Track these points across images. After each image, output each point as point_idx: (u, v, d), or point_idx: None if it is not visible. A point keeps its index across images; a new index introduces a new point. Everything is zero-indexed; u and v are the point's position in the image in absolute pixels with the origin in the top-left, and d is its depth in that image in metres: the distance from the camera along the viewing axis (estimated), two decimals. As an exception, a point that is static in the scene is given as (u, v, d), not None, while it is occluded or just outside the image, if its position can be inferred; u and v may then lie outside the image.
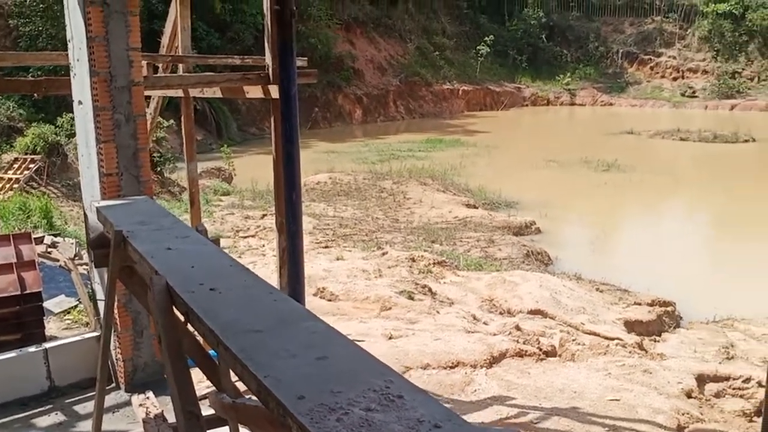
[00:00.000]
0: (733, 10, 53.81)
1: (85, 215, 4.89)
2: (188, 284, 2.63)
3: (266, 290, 2.62)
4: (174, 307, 2.64)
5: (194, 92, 6.75)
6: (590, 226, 18.80)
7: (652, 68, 56.94)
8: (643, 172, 24.97)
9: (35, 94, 16.23)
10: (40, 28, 26.54)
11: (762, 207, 19.66)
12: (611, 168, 25.61)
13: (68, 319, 7.95)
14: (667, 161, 28.40)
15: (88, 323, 7.55)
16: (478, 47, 52.67)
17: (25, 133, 19.69)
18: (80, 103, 4.88)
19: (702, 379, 8.32)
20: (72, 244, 11.16)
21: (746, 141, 32.82)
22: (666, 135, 35.35)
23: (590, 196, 21.83)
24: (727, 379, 8.46)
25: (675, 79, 55.58)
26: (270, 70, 5.91)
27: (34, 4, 26.48)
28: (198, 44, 27.13)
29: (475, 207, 19.48)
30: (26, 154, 17.91)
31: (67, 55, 5.31)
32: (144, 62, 5.82)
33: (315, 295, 11.42)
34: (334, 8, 43.54)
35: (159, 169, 19.27)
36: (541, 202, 19.98)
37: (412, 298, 11.17)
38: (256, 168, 21.38)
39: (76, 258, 10.55)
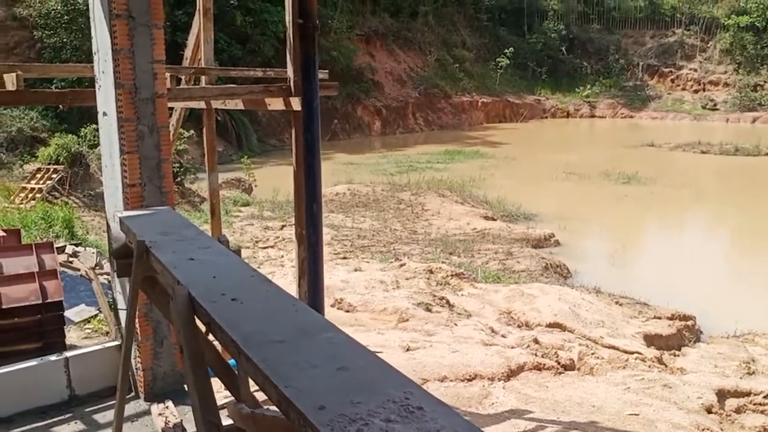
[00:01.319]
0: (756, 23, 53.45)
1: (108, 225, 4.95)
2: (210, 294, 2.66)
3: (288, 301, 2.64)
4: (196, 317, 2.67)
5: (216, 104, 6.82)
6: (610, 239, 18.66)
7: (673, 81, 56.63)
8: (663, 185, 24.79)
9: (60, 106, 16.49)
10: (65, 40, 26.92)
11: (784, 221, 19.44)
12: (632, 180, 25.45)
13: (88, 329, 8.03)
14: (688, 174, 28.16)
15: (108, 332, 7.62)
16: (497, 59, 52.72)
17: (48, 144, 19.95)
18: (105, 114, 4.96)
19: (723, 394, 8.23)
20: (93, 253, 11.28)
21: (768, 154, 32.53)
22: (687, 148, 35.11)
23: (610, 209, 21.69)
24: (748, 394, 8.36)
25: (696, 91, 55.24)
26: (292, 82, 5.96)
27: (59, 16, 26.87)
28: (219, 56, 27.39)
29: (493, 219, 19.43)
30: (49, 164, 18.14)
31: (91, 67, 5.39)
32: (167, 74, 5.90)
33: (333, 306, 11.44)
34: (354, 21, 43.84)
35: (179, 179, 19.44)
36: (561, 214, 19.89)
37: (429, 310, 11.15)
38: (275, 179, 21.51)
39: (97, 267, 10.66)
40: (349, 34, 42.30)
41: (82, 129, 20.77)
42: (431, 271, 13.40)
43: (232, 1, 31.61)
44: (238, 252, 3.44)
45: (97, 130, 18.06)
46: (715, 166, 31.01)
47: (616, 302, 12.68)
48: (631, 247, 18.20)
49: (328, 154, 30.91)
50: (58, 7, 26.77)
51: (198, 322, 2.68)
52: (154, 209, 4.23)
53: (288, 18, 6.17)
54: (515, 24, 59.04)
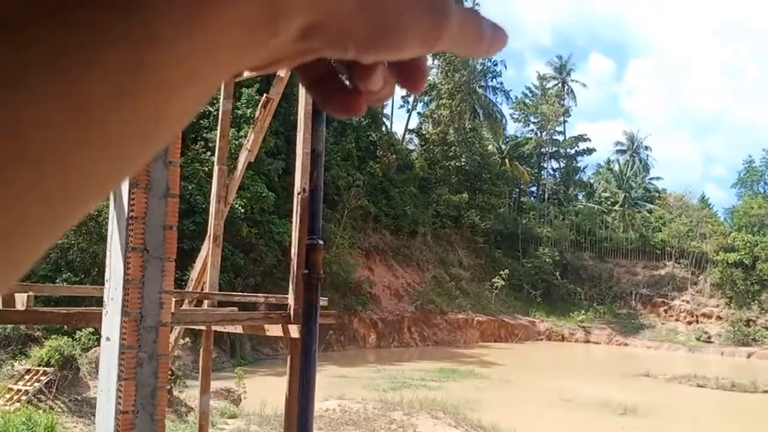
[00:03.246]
0: (744, 260, 55.30)
1: (95, 452, 4.90)
2: None
3: None
4: None
5: (216, 327, 7.00)
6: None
7: (665, 311, 57.48)
8: (661, 418, 24.24)
9: (65, 326, 16.72)
10: (72, 242, 27.76)
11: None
12: (628, 412, 24.92)
13: None
14: (685, 409, 27.61)
15: None
16: (493, 280, 53.93)
17: (42, 344, 19.87)
18: (108, 339, 5.11)
19: None
20: (70, 466, 10.85)
21: (765, 392, 32.08)
22: (683, 380, 34.74)
23: (607, 442, 21.04)
24: None
25: (689, 323, 55.83)
26: (291, 310, 6.18)
27: (70, 218, 27.88)
28: (222, 263, 28.09)
29: (487, 447, 18.80)
30: (39, 365, 17.95)
31: (99, 288, 5.64)
32: (173, 299, 6.14)
33: None
34: (356, 237, 45.49)
35: (169, 387, 19.09)
36: (557, 445, 19.28)
37: None
38: (265, 390, 21.11)
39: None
40: (351, 249, 43.72)
41: (78, 332, 20.79)
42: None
43: (239, 214, 33.02)
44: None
45: (92, 333, 18.02)
46: (713, 401, 30.50)
47: None
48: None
49: (322, 366, 30.52)
50: (72, 211, 27.88)
51: None
52: (144, 441, 4.22)
53: (294, 235, 6.52)
54: (511, 247, 61.16)
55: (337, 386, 26.12)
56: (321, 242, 3.96)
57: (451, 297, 50.89)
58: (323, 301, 7.11)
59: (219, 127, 8.45)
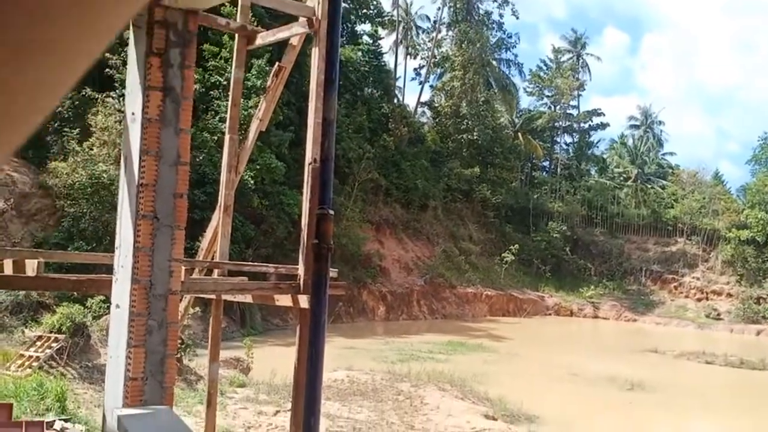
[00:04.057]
0: (756, 237, 54.93)
1: (104, 417, 4.92)
2: None
3: None
4: None
5: (226, 296, 7.01)
6: (613, 450, 18.01)
7: (675, 288, 57.31)
8: (668, 393, 24.28)
9: (76, 293, 16.80)
10: (84, 210, 27.86)
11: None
12: (636, 387, 24.97)
13: None
14: (693, 385, 27.65)
15: None
16: (502, 254, 53.88)
17: (54, 311, 20.04)
18: (117, 306, 5.11)
19: None
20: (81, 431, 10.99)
21: (774, 369, 32.06)
22: (691, 357, 34.75)
23: (615, 416, 21.12)
24: None
25: (699, 300, 55.68)
26: (301, 280, 6.16)
27: (83, 187, 27.97)
28: (232, 234, 28.18)
29: (494, 419, 18.88)
30: (51, 332, 18.12)
31: (110, 256, 5.63)
32: (183, 268, 6.13)
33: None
34: (366, 210, 45.46)
35: (179, 356, 19.27)
36: (564, 418, 19.37)
37: None
38: (275, 360, 21.26)
39: (83, 447, 10.34)
40: (361, 222, 43.72)
41: (90, 299, 20.95)
42: (426, 474, 12.87)
43: (250, 185, 33.01)
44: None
45: (103, 301, 18.15)
46: (721, 378, 30.50)
47: None
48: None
49: (331, 337, 30.67)
50: (83, 180, 27.95)
51: None
52: (152, 408, 4.24)
53: (305, 206, 6.49)
54: (521, 222, 61.01)
55: (345, 357, 26.29)
56: (331, 212, 3.92)
57: (460, 271, 50.93)
58: (333, 273, 7.09)
59: (230, 96, 8.38)
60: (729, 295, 54.67)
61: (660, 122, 77.94)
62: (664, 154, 78.43)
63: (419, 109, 63.86)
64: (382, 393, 20.72)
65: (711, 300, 55.18)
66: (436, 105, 63.59)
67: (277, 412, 16.85)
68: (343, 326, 37.39)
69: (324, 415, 16.59)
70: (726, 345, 39.84)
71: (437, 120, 62.61)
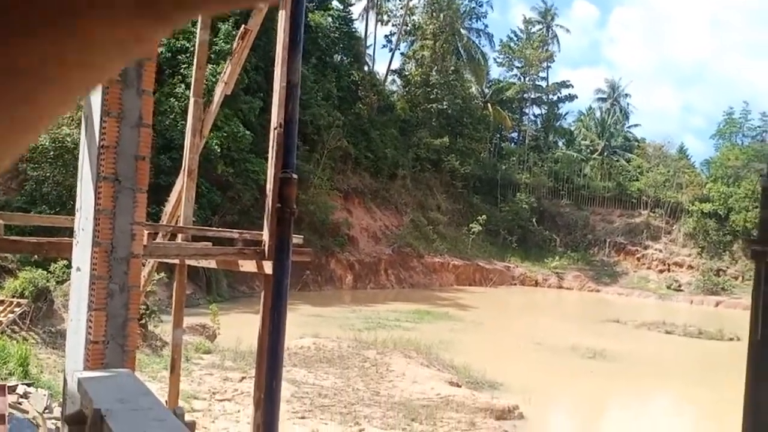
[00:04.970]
0: (718, 211, 56.04)
1: (65, 380, 4.89)
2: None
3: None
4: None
5: (190, 261, 6.96)
6: (574, 416, 18.43)
7: (638, 259, 58.38)
8: (628, 362, 24.86)
9: (37, 256, 16.50)
10: (47, 174, 27.34)
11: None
12: (597, 356, 25.50)
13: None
14: (652, 354, 28.31)
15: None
16: (470, 225, 54.23)
17: (16, 275, 19.74)
18: (78, 269, 5.05)
19: None
20: (44, 395, 10.91)
21: (731, 339, 32.87)
22: (652, 327, 35.53)
23: (576, 384, 21.56)
24: None
25: (661, 271, 56.83)
26: (266, 246, 6.13)
27: (46, 151, 27.42)
28: (198, 200, 27.91)
29: (458, 385, 19.15)
30: (13, 296, 17.86)
31: (71, 219, 5.54)
32: (145, 232, 6.07)
33: (286, 470, 11.01)
34: (335, 178, 45.26)
35: (144, 321, 19.15)
36: (526, 385, 19.69)
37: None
38: (240, 327, 21.26)
39: (47, 411, 10.28)
40: (329, 190, 43.54)
41: (53, 264, 20.65)
42: (391, 439, 13.04)
43: (216, 152, 32.63)
44: (191, 426, 3.42)
45: (66, 266, 17.89)
46: (679, 348, 31.26)
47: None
48: (596, 425, 17.95)
49: (297, 306, 30.81)
50: (47, 144, 27.38)
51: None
52: (113, 371, 4.22)
53: (270, 171, 6.44)
54: (489, 193, 61.39)
55: (312, 325, 26.38)
56: (295, 176, 3.89)
57: (428, 240, 51.19)
58: (298, 239, 7.07)
59: (195, 58, 8.24)
60: (690, 267, 55.88)
61: (627, 95, 78.62)
62: (630, 127, 79.23)
63: (389, 77, 63.50)
64: (348, 360, 20.87)
65: (673, 272, 56.38)
66: (407, 73, 63.24)
67: (243, 378, 16.89)
68: (310, 294, 37.44)
69: (290, 381, 16.66)
70: (686, 316, 40.81)
71: (407, 89, 62.31)
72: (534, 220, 60.19)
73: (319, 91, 45.02)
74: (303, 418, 14.48)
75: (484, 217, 54.68)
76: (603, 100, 78.14)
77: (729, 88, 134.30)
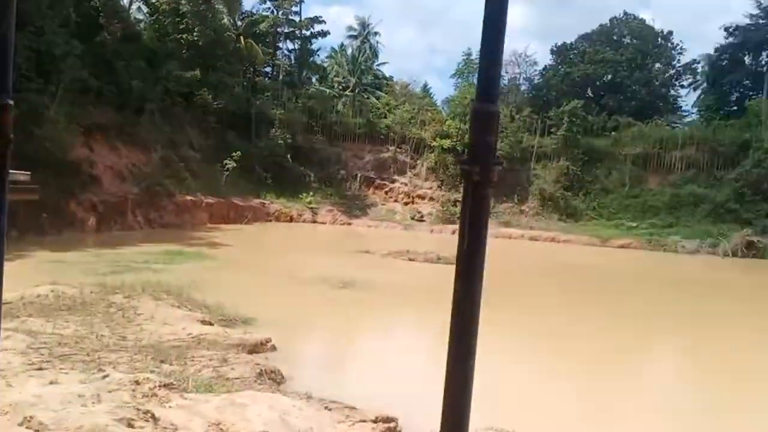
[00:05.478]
0: (456, 146, 60.86)
1: None
2: None
3: None
4: None
5: None
6: (325, 343, 19.27)
7: (386, 193, 61.78)
8: (376, 290, 26.41)
9: None
10: None
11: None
12: (348, 286, 26.73)
13: None
14: (397, 281, 30.37)
15: None
16: (225, 161, 53.28)
17: None
18: None
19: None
20: None
21: (464, 263, 36.28)
22: (397, 255, 38.00)
23: (327, 313, 22.47)
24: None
25: (406, 203, 60.78)
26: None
27: None
28: None
29: (210, 324, 19.00)
30: None
31: None
32: None
33: (21, 425, 10.21)
34: (74, 113, 41.55)
35: None
36: (280, 319, 20.13)
37: (131, 426, 10.42)
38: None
39: None
40: (68, 125, 39.94)
41: None
42: (137, 382, 12.61)
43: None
44: None
45: None
46: (421, 273, 33.83)
47: (326, 407, 12.94)
48: (345, 350, 18.93)
49: (32, 251, 28.34)
50: None
51: None
52: None
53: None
54: (244, 129, 60.57)
55: (50, 272, 24.42)
56: (10, 102, 3.45)
57: (179, 179, 49.44)
58: (25, 176, 6.42)
59: None
60: (431, 198, 60.37)
61: (377, 33, 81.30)
62: (380, 65, 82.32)
63: (134, 4, 59.17)
64: (92, 306, 19.68)
65: (416, 203, 60.53)
66: (154, 1, 59.38)
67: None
68: (47, 239, 34.55)
69: (25, 332, 15.35)
70: (427, 244, 44.09)
71: (155, 17, 58.63)
72: (289, 156, 60.67)
73: (55, 17, 40.56)
74: (40, 369, 13.45)
75: (238, 153, 53.96)
76: (354, 37, 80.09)
77: (467, 30, 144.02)
